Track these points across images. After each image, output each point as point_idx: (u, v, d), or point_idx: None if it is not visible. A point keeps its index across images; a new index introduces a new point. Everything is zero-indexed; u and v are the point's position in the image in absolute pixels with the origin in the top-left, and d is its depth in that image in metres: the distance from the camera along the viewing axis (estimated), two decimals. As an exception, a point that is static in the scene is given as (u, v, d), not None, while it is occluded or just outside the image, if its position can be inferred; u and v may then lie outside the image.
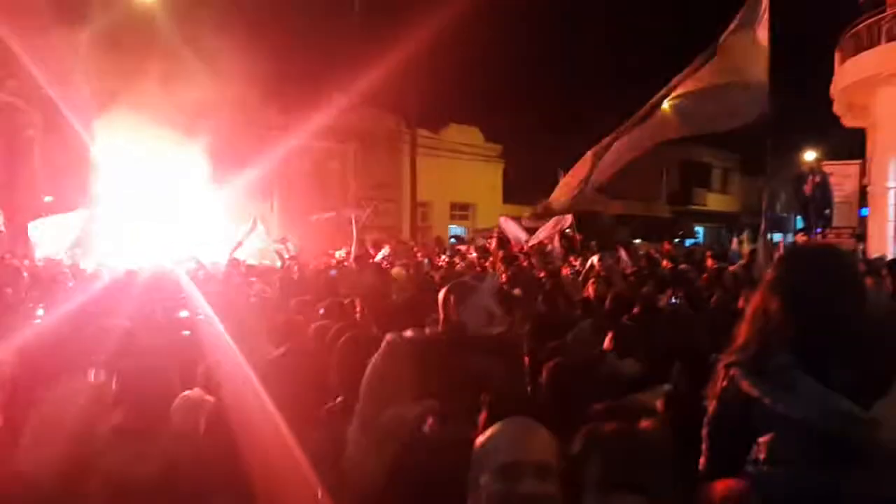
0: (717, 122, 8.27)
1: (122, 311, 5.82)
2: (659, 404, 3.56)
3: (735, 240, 20.01)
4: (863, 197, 21.94)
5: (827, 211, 18.39)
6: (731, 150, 40.29)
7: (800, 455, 2.06)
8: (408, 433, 2.66)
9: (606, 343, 5.08)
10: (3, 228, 14.79)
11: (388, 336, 2.85)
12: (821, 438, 2.03)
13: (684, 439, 3.05)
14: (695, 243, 33.72)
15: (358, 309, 6.16)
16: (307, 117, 21.70)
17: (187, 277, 9.24)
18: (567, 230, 14.91)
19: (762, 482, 2.14)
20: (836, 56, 21.50)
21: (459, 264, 14.02)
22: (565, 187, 10.23)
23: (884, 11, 19.34)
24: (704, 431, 2.35)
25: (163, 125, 15.88)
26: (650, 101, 8.90)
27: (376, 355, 2.66)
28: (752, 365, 2.14)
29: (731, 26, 7.71)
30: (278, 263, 13.00)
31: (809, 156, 26.57)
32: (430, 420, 2.70)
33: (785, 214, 36.89)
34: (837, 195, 19.69)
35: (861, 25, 19.96)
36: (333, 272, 10.47)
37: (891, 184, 20.27)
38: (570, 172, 10.28)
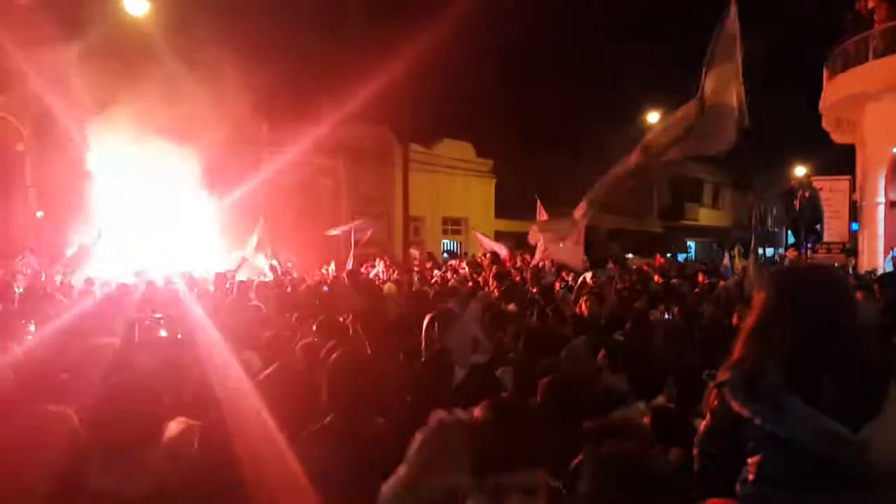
0: (697, 148, 8.28)
1: (110, 329, 5.79)
2: (647, 420, 3.55)
3: (727, 255, 20.09)
4: (853, 212, 22.08)
5: (817, 226, 18.48)
6: (721, 166, 40.54)
7: (789, 476, 2.06)
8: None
9: (600, 359, 5.08)
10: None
11: (441, 416, 2.77)
12: (810, 460, 2.02)
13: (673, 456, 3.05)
14: (686, 258, 33.84)
15: (351, 326, 6.14)
16: (299, 132, 21.73)
17: (179, 293, 9.21)
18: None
19: (752, 502, 2.14)
20: (825, 72, 21.69)
21: (452, 279, 14.03)
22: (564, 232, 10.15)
23: (871, 28, 19.53)
24: (695, 450, 2.34)
25: (155, 140, 15.86)
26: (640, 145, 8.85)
27: (427, 430, 2.61)
28: (743, 384, 2.14)
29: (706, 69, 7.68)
30: (268, 276, 12.97)
31: (799, 171, 26.73)
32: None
33: (776, 229, 37.09)
34: (827, 210, 19.81)
35: (849, 42, 20.15)
36: (326, 288, 10.44)
37: (880, 199, 20.41)
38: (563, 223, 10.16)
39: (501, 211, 32.37)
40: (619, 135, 33.85)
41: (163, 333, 6.26)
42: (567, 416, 3.69)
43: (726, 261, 18.80)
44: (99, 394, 2.97)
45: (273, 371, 3.71)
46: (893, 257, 17.96)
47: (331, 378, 3.29)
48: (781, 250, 24.04)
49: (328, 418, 3.27)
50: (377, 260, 18.34)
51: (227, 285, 11.62)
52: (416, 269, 17.28)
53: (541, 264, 13.38)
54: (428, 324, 4.76)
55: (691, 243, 41.51)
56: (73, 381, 3.51)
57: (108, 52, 16.33)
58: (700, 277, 13.59)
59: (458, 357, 4.69)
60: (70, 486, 2.30)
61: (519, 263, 15.96)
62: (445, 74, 27.26)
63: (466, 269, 16.16)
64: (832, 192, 21.78)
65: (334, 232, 18.15)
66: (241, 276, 12.99)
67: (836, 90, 20.67)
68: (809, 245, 18.12)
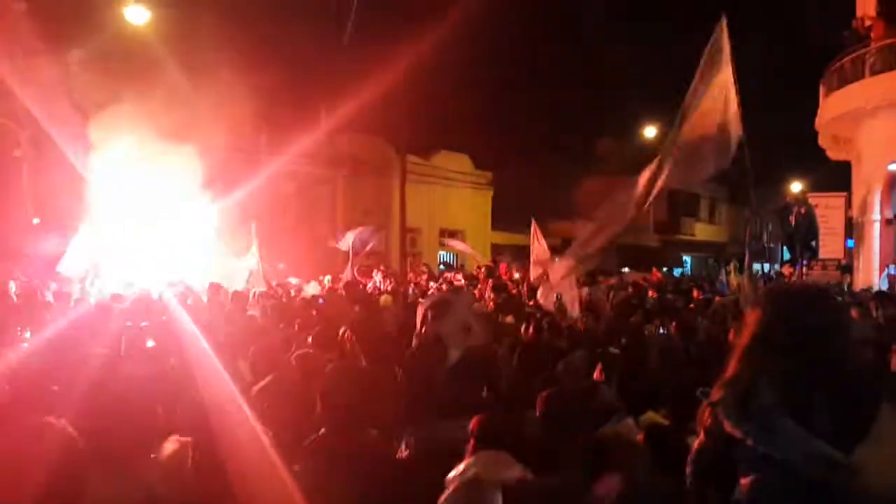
0: (689, 174, 8.16)
1: (103, 339, 5.77)
2: (640, 438, 3.55)
3: (723, 270, 20.12)
4: (848, 229, 22.14)
5: (813, 242, 18.54)
6: (718, 181, 40.65)
7: (781, 498, 2.06)
8: None
9: (597, 374, 5.08)
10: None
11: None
12: (801, 482, 2.02)
13: (666, 473, 3.05)
14: (682, 273, 33.87)
15: (346, 338, 6.13)
16: (297, 143, 21.75)
17: (174, 303, 9.18)
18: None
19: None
20: (821, 89, 21.80)
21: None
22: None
23: (868, 46, 19.64)
24: (689, 469, 2.33)
25: (153, 148, 15.85)
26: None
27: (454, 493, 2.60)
28: (736, 405, 2.14)
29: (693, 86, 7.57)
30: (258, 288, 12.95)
31: (795, 187, 26.79)
32: None
33: (772, 245, 37.13)
34: (823, 227, 19.87)
35: (845, 59, 20.27)
36: (321, 300, 10.42)
37: (876, 216, 20.48)
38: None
39: (498, 223, 32.40)
40: (618, 147, 34.14)
41: (150, 343, 6.21)
42: (565, 429, 3.70)
43: (722, 276, 18.85)
44: (89, 406, 2.96)
45: (267, 383, 3.70)
46: (889, 275, 18.02)
47: (326, 391, 3.29)
48: (777, 266, 24.09)
49: (322, 430, 3.26)
50: (374, 271, 18.34)
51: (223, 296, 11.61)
52: (412, 280, 17.29)
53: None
54: (423, 313, 4.78)
55: (687, 258, 41.55)
56: (64, 393, 3.50)
57: (106, 60, 16.35)
58: (695, 293, 13.60)
59: (451, 342, 4.72)
60: (69, 500, 2.28)
61: (516, 276, 15.97)
62: (443, 86, 27.38)
63: (462, 280, 16.17)
64: (828, 209, 21.86)
65: (343, 246, 18.07)
66: (239, 284, 13.00)
67: (832, 107, 20.77)
68: (805, 262, 18.16)
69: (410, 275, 19.77)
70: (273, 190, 21.54)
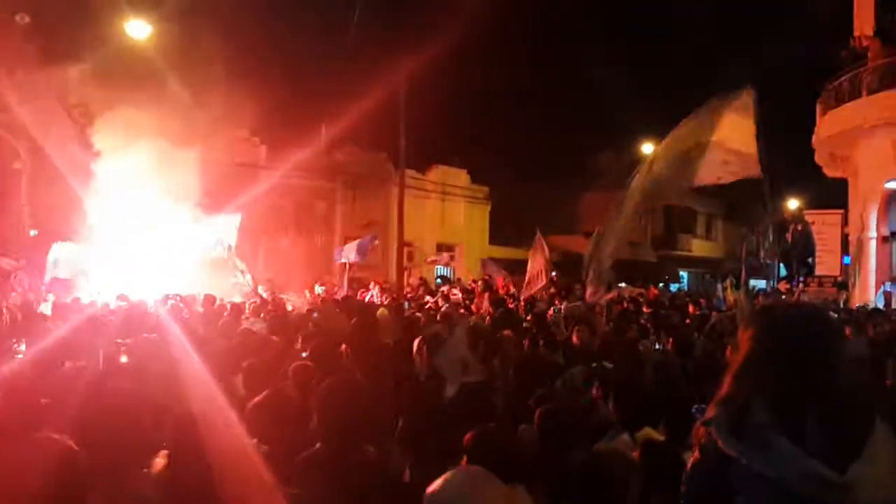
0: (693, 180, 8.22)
1: (87, 353, 5.75)
2: (636, 454, 3.54)
3: (720, 286, 20.14)
4: (845, 246, 22.19)
5: (809, 259, 18.61)
6: (715, 197, 40.73)
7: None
8: None
9: (595, 392, 5.07)
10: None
11: None
12: (795, 500, 2.02)
13: (660, 490, 3.05)
14: (679, 288, 33.89)
15: (343, 352, 6.13)
16: (295, 156, 21.82)
17: (169, 316, 9.17)
18: (552, 274, 14.93)
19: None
20: (818, 108, 21.93)
21: (444, 305, 14.02)
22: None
23: (865, 65, 19.79)
24: (683, 488, 2.33)
25: (152, 161, 15.88)
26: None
27: None
28: (730, 423, 2.14)
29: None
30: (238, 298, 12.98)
31: (792, 205, 26.85)
32: None
33: (769, 262, 37.18)
34: (819, 244, 19.95)
35: (843, 78, 20.40)
36: (315, 314, 10.39)
37: (872, 233, 20.53)
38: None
39: (496, 237, 32.44)
40: (614, 162, 34.25)
41: (123, 359, 6.14)
42: (561, 446, 3.70)
43: (719, 292, 18.88)
44: (77, 420, 2.96)
45: (263, 398, 3.69)
46: (885, 291, 18.06)
47: (322, 407, 3.28)
48: (774, 283, 24.13)
49: (318, 445, 3.25)
50: (371, 284, 18.34)
51: (217, 306, 11.61)
52: (409, 294, 17.28)
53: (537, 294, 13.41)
54: (418, 347, 4.79)
55: (684, 273, 41.54)
56: (54, 407, 3.49)
57: (107, 74, 16.41)
58: (690, 309, 13.61)
59: (448, 377, 4.72)
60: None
61: (513, 290, 15.97)
62: (441, 102, 27.52)
63: (459, 294, 16.15)
64: (824, 226, 21.93)
65: (344, 259, 18.06)
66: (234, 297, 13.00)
67: (829, 125, 20.88)
68: (801, 278, 18.22)
69: (407, 287, 19.77)
70: (272, 203, 21.58)
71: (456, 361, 4.81)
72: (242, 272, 14.63)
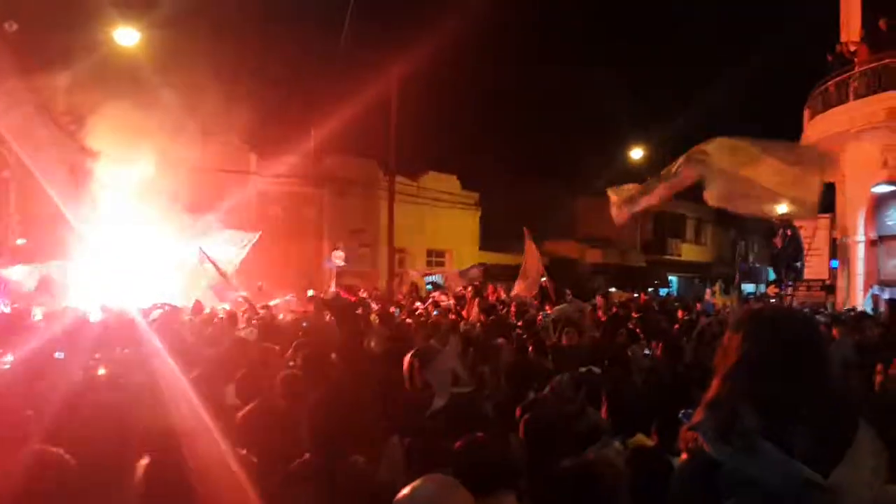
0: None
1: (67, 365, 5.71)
2: (622, 462, 3.55)
3: (708, 290, 20.22)
4: (833, 249, 22.31)
5: (798, 263, 18.69)
6: (704, 202, 40.89)
7: (762, 522, 2.07)
8: None
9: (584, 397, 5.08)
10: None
11: None
12: (781, 504, 2.04)
13: (649, 496, 3.05)
14: (668, 293, 34.02)
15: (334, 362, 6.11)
16: (285, 163, 21.80)
17: (156, 324, 9.12)
18: (542, 279, 14.96)
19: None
20: (806, 112, 22.07)
21: (434, 312, 14.02)
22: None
23: (852, 70, 19.92)
24: (671, 493, 2.34)
25: (142, 169, 15.83)
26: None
27: None
28: (716, 428, 2.15)
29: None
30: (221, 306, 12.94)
31: (781, 209, 26.94)
32: None
33: (757, 265, 37.33)
34: (808, 248, 20.03)
35: (830, 83, 20.54)
36: (305, 323, 10.36)
37: (860, 237, 20.65)
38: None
39: (486, 243, 32.49)
40: (604, 168, 34.39)
41: (101, 371, 6.10)
42: (548, 453, 3.69)
43: (708, 296, 18.96)
44: (59, 433, 2.94)
45: (251, 409, 3.68)
46: (873, 295, 18.16)
47: (312, 417, 3.28)
48: (763, 287, 24.24)
49: (307, 455, 3.25)
50: (361, 290, 18.30)
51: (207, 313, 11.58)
52: (399, 300, 17.24)
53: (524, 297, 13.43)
54: (409, 361, 4.79)
55: (673, 278, 41.70)
56: (38, 417, 3.47)
57: (96, 81, 16.36)
58: (679, 314, 13.65)
59: (438, 389, 4.71)
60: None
61: (503, 296, 15.96)
62: (431, 108, 27.57)
63: (450, 300, 16.12)
64: (813, 230, 22.03)
65: (331, 265, 18.07)
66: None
67: (816, 129, 21.01)
68: (790, 282, 18.30)
69: (399, 295, 19.75)
70: (261, 210, 21.55)
71: (446, 373, 4.80)
72: (225, 277, 14.50)
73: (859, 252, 20.55)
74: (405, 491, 2.48)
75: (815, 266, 21.65)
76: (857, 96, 19.42)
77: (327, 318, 10.69)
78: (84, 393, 4.44)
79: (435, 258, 31.26)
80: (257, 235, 16.46)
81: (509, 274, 18.62)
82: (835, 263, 22.23)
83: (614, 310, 12.93)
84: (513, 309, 13.02)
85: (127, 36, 17.72)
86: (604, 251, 35.83)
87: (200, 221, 16.80)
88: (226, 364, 5.86)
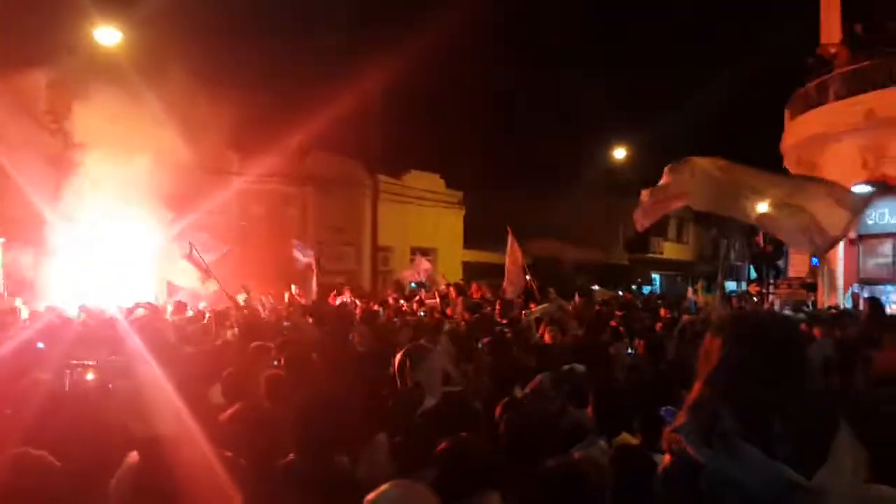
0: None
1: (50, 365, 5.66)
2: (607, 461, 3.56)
3: (690, 289, 20.36)
4: (813, 248, 22.44)
5: (779, 262, 18.85)
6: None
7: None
8: None
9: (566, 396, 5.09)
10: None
11: None
12: (763, 506, 2.06)
13: (633, 495, 3.08)
14: (651, 290, 34.22)
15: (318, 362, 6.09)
16: (266, 162, 21.70)
17: (137, 325, 9.05)
18: (527, 278, 14.99)
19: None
20: (786, 114, 22.23)
21: (419, 310, 14.03)
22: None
23: (831, 71, 20.10)
24: (654, 493, 2.36)
25: (123, 168, 15.69)
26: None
27: None
28: (700, 430, 2.17)
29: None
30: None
31: (762, 208, 27.13)
32: None
33: (739, 263, 37.57)
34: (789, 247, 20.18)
35: (810, 85, 20.71)
36: (287, 323, 10.33)
37: (840, 236, 20.77)
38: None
39: (470, 242, 32.52)
40: (587, 168, 34.51)
41: (90, 377, 6.04)
42: (529, 452, 3.70)
43: (690, 293, 19.09)
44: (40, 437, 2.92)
45: (235, 411, 3.67)
46: (853, 293, 18.33)
47: (296, 419, 3.27)
48: (744, 284, 24.44)
49: (291, 456, 3.24)
50: (344, 289, 18.25)
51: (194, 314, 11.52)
52: (391, 298, 17.20)
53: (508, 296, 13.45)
54: (400, 360, 4.78)
55: (656, 276, 41.96)
56: (17, 418, 3.44)
57: (77, 81, 16.23)
58: (662, 312, 13.72)
59: (428, 388, 4.72)
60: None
61: (488, 294, 15.97)
62: (415, 107, 27.55)
63: (436, 299, 16.11)
64: (794, 229, 22.16)
65: (300, 259, 18.05)
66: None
67: (797, 131, 21.18)
68: (771, 280, 18.45)
69: (389, 292, 19.72)
70: (243, 208, 21.44)
71: (436, 371, 4.82)
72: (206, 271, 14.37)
73: (840, 251, 20.72)
74: (370, 496, 2.49)
75: (796, 265, 21.84)
76: (837, 98, 19.58)
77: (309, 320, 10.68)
78: (67, 396, 4.41)
79: (419, 257, 31.24)
80: (226, 249, 16.28)
81: (493, 272, 18.66)
82: (815, 261, 22.42)
83: (597, 307, 12.98)
84: (497, 307, 13.03)
85: (108, 35, 17.59)
86: (587, 249, 35.98)
87: (180, 221, 16.70)
88: (210, 364, 5.83)
